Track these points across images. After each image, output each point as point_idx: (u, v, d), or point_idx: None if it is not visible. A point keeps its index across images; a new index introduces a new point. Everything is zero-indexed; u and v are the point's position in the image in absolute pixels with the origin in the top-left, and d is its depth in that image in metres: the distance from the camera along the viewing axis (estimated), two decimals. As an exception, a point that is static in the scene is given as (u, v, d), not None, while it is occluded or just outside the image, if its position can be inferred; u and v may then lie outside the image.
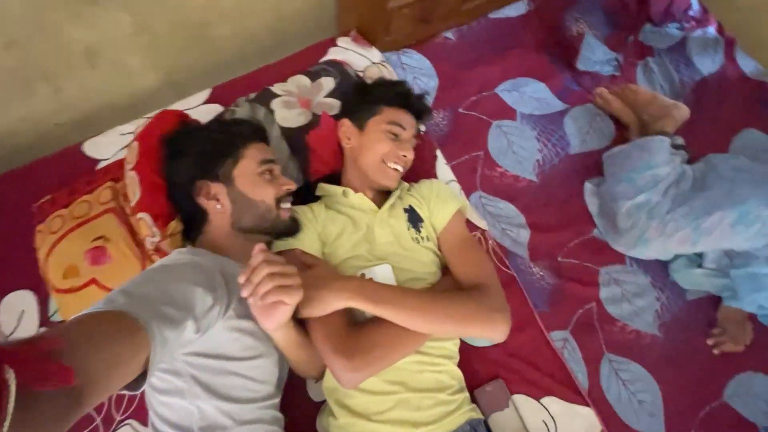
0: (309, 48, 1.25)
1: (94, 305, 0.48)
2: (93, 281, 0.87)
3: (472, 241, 0.88)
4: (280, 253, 0.82)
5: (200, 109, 1.11)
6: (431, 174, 1.12)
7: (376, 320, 0.72)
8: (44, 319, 0.95)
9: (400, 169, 0.92)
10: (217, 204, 0.76)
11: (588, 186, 1.23)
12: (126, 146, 1.01)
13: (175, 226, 0.81)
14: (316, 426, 0.85)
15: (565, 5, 1.37)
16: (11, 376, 0.32)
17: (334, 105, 1.08)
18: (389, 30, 1.29)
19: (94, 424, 0.87)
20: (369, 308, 0.69)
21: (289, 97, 1.08)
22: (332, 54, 1.23)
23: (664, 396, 1.01)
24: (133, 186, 0.81)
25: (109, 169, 0.98)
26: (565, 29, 1.36)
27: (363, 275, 0.78)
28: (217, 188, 0.76)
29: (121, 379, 0.46)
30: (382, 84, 1.00)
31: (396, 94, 0.94)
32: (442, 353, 0.79)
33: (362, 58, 1.24)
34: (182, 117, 0.91)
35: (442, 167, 1.13)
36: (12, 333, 0.94)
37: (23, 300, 0.97)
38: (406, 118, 0.92)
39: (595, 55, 1.33)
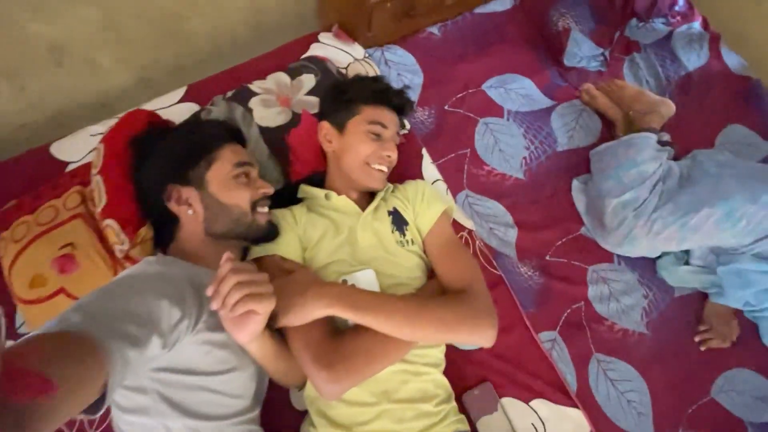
0: (289, 44, 1.21)
1: (45, 324, 0.45)
2: (61, 290, 0.83)
3: (458, 244, 0.86)
4: (258, 259, 0.79)
5: (175, 108, 1.07)
6: (417, 173, 1.10)
7: (359, 328, 0.70)
8: (11, 332, 0.90)
9: (385, 169, 0.89)
10: (188, 209, 0.72)
11: (575, 184, 1.22)
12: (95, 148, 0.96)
13: (145, 232, 0.77)
14: (299, 436, 0.82)
15: (550, 0, 1.35)
16: None
17: (315, 103, 1.04)
18: (371, 25, 1.25)
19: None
20: (350, 316, 0.66)
21: (268, 95, 1.04)
22: (314, 50, 1.19)
23: (653, 394, 1.01)
24: (99, 191, 0.76)
25: (77, 173, 0.93)
26: (550, 24, 1.34)
27: (345, 281, 0.76)
28: (188, 192, 0.72)
29: (78, 403, 0.43)
30: (358, 81, 0.96)
31: (374, 92, 0.90)
32: (427, 361, 0.77)
33: (345, 55, 1.21)
34: (152, 117, 0.86)
35: (428, 166, 1.11)
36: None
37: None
38: (387, 116, 0.89)
39: (582, 51, 1.32)
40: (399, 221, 0.85)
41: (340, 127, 0.89)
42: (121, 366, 0.45)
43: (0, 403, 0.32)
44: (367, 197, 0.92)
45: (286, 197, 0.92)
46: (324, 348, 0.66)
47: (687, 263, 1.12)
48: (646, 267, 1.14)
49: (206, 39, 1.24)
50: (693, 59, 1.39)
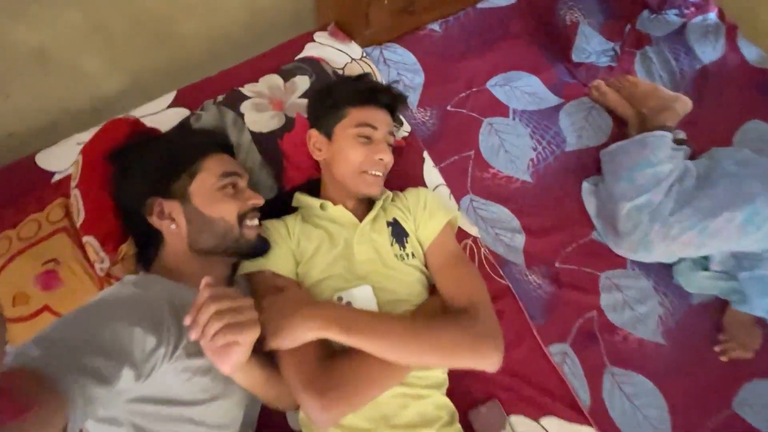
0: (283, 45, 1.16)
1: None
2: (46, 308, 0.80)
3: (462, 258, 0.80)
4: (249, 274, 0.74)
5: (164, 114, 1.02)
6: (419, 177, 1.05)
7: (354, 350, 0.65)
8: None
9: (380, 173, 0.84)
10: (171, 224, 0.67)
11: (586, 186, 1.17)
12: (82, 158, 0.92)
13: (126, 249, 0.73)
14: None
15: (557, -8, 1.31)
16: None
17: (310, 106, 0.99)
18: (369, 22, 1.20)
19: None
20: (343, 339, 0.62)
21: (261, 99, 1.00)
22: (308, 50, 1.14)
23: (671, 408, 0.97)
24: (77, 205, 0.72)
25: (61, 184, 0.90)
26: (557, 18, 1.30)
27: (340, 299, 0.71)
28: (171, 206, 0.68)
29: None
30: (341, 83, 0.90)
31: (358, 92, 0.83)
32: (429, 383, 0.72)
33: (341, 54, 1.16)
34: (134, 126, 0.82)
35: (430, 170, 1.06)
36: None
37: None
38: (376, 116, 0.82)
39: (591, 46, 1.27)
40: (399, 233, 0.80)
41: (328, 133, 0.83)
42: (84, 405, 0.41)
43: None
44: (365, 204, 0.87)
45: (279, 206, 0.87)
46: (316, 373, 0.62)
47: (706, 269, 1.07)
48: (662, 273, 1.10)
49: (200, 42, 1.20)
50: (708, 52, 1.34)
